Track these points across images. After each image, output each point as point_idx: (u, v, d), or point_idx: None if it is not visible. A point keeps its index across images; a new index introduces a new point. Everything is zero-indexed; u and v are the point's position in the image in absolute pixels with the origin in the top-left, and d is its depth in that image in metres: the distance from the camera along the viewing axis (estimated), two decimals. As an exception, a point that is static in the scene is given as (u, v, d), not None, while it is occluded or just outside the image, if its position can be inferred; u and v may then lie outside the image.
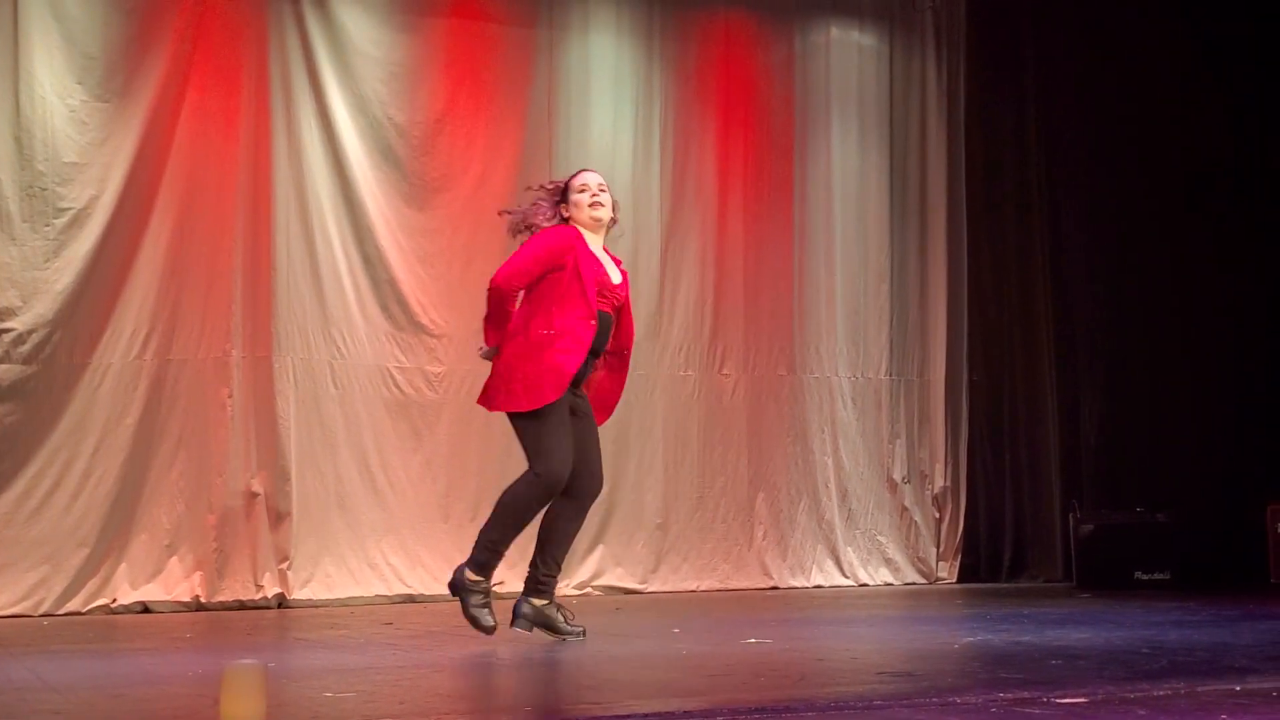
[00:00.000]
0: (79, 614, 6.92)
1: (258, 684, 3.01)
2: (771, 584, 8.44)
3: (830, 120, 8.83)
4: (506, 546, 5.30)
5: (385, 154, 7.77)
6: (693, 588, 8.26)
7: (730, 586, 8.34)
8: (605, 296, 5.26)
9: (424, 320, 7.80)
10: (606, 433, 8.18)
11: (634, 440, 8.24)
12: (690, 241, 8.46)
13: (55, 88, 7.10)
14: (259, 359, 7.44)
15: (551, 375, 5.15)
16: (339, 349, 7.61)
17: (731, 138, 8.58)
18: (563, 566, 5.44)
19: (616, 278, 5.33)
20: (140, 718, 3.49)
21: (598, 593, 8.01)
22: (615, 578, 8.10)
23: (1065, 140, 9.14)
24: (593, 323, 5.17)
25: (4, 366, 6.98)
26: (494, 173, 8.01)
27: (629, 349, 5.51)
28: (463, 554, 7.82)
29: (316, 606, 7.29)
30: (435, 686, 3.93)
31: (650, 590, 8.15)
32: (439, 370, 7.84)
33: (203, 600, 7.21)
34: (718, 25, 8.59)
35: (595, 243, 5.33)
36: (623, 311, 5.40)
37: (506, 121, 8.07)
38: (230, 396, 7.35)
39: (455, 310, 7.87)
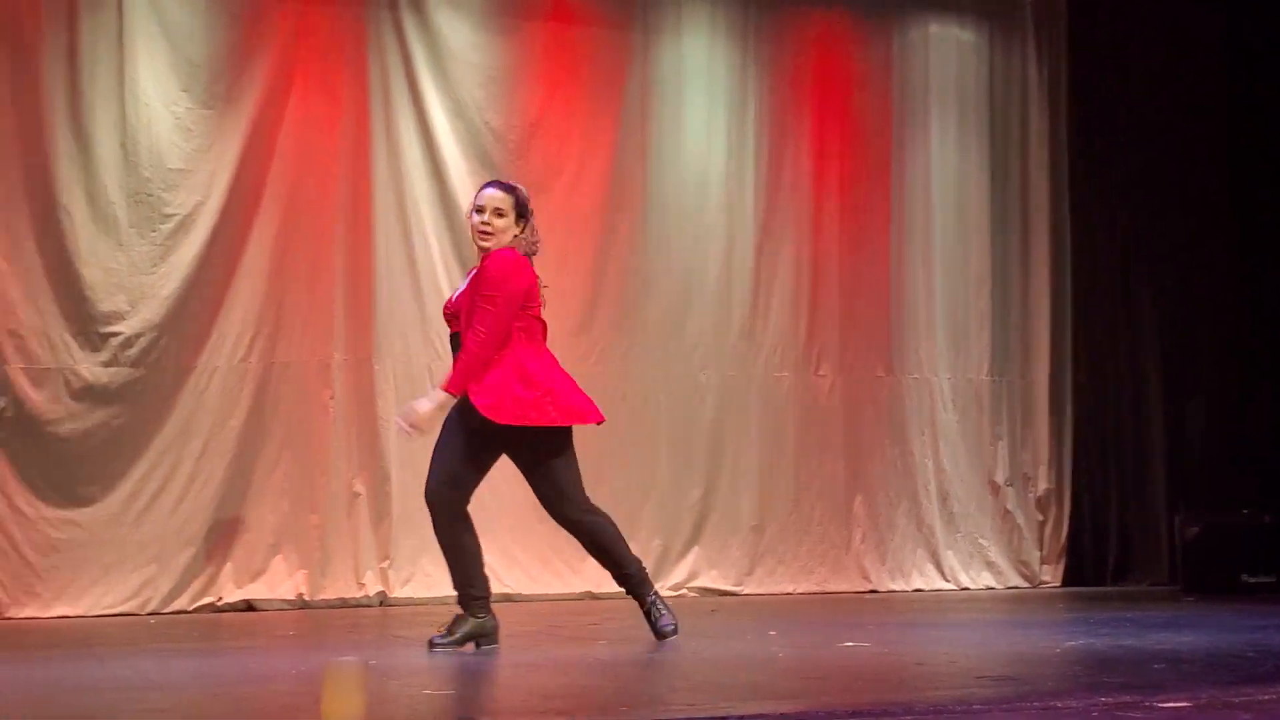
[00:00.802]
0: (185, 612, 7.06)
1: (358, 682, 3.04)
2: (870, 587, 8.37)
3: (929, 118, 8.75)
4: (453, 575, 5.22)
5: (482, 158, 7.84)
6: (789, 590, 8.22)
7: (827, 589, 8.28)
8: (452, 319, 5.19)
9: (518, 322, 7.84)
10: (700, 434, 8.24)
11: (728, 442, 8.22)
12: (785, 242, 8.42)
13: (160, 95, 7.25)
14: (360, 361, 7.54)
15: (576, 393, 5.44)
16: (437, 351, 7.67)
17: (827, 137, 8.53)
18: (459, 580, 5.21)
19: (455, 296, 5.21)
20: (243, 715, 3.54)
21: (693, 594, 8.00)
22: (710, 580, 8.09)
23: (1171, 137, 8.97)
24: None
25: (112, 370, 7.13)
26: (588, 175, 8.04)
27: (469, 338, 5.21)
28: (557, 554, 7.90)
29: (417, 605, 7.36)
30: (531, 686, 3.95)
31: (746, 593, 8.12)
32: (535, 371, 7.87)
33: (306, 598, 7.32)
34: (813, 24, 8.54)
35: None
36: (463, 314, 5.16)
37: (601, 124, 8.10)
38: (332, 398, 7.46)
39: (549, 311, 7.83)
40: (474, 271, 5.17)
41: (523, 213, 5.08)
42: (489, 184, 5.22)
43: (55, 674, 4.46)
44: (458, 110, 7.79)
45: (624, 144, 8.10)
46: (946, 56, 8.81)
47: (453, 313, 5.15)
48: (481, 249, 5.06)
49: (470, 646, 5.02)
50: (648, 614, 5.15)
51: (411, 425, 5.10)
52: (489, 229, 5.01)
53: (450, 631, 4.99)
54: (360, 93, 7.61)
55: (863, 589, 8.34)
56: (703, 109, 8.29)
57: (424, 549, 7.56)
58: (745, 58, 8.38)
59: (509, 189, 5.13)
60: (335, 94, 7.58)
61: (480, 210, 5.04)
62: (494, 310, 4.98)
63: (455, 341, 5.16)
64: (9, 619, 6.81)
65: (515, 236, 5.07)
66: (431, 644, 4.95)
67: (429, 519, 7.60)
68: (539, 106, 7.96)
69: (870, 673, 4.24)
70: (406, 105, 7.71)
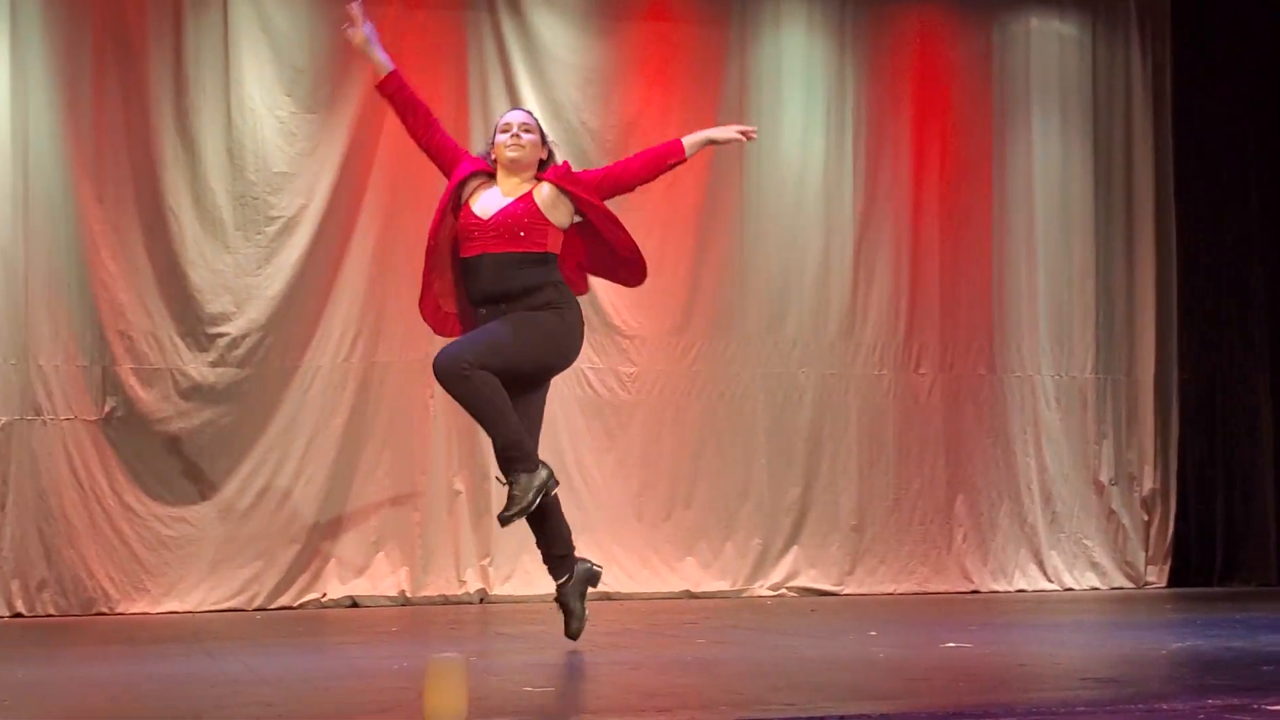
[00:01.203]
0: (290, 608, 7.18)
1: (460, 678, 3.07)
2: (972, 588, 8.29)
3: (1030, 113, 8.64)
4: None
5: (579, 158, 7.85)
6: (889, 591, 8.17)
7: (929, 590, 8.21)
8: (472, 239, 4.98)
9: (616, 321, 7.88)
10: (798, 433, 8.20)
11: (827, 441, 8.18)
12: (884, 239, 8.36)
13: (265, 100, 7.38)
14: (459, 361, 7.61)
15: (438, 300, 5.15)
16: (533, 348, 7.73)
17: (927, 133, 8.46)
18: (496, 444, 4.99)
19: (488, 213, 4.99)
20: (347, 709, 3.59)
21: (792, 594, 7.98)
22: (810, 579, 8.06)
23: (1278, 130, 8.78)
24: (449, 289, 5.09)
25: (220, 370, 7.27)
26: (684, 174, 8.02)
27: (620, 165, 5.25)
28: (656, 552, 7.93)
29: (517, 602, 7.42)
30: (631, 683, 3.97)
31: (846, 593, 8.08)
32: (631, 370, 7.91)
33: (408, 595, 7.41)
34: (911, 19, 8.47)
35: (505, 183, 5.07)
36: (544, 226, 4.97)
37: (698, 122, 8.05)
38: (432, 397, 7.53)
39: (647, 311, 7.94)
40: (480, 191, 5.05)
41: (544, 139, 5.14)
42: (513, 109, 5.33)
43: (166, 669, 4.56)
44: (555, 111, 7.83)
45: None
46: (1047, 50, 8.69)
47: (506, 227, 4.92)
48: (510, 159, 5.02)
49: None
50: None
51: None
52: (519, 141, 5.02)
53: (512, 499, 4.87)
54: (459, 95, 7.68)
55: (964, 589, 8.26)
56: (800, 106, 8.26)
57: (524, 547, 7.60)
58: (843, 54, 8.34)
59: (529, 113, 5.25)
60: (434, 96, 7.62)
61: (506, 128, 5.07)
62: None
63: (484, 264, 4.93)
64: (120, 614, 6.97)
65: (543, 162, 5.10)
66: (502, 519, 4.87)
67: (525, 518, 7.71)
68: (636, 106, 7.98)
69: (972, 673, 4.20)
70: (504, 107, 7.75)
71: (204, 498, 7.22)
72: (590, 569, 5.10)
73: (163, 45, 7.26)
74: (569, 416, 7.78)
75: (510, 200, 4.95)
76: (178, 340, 7.20)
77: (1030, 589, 8.35)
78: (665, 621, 6.17)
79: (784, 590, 7.98)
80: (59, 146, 7.11)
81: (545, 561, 5.10)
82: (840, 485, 8.18)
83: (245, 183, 7.33)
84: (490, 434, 4.92)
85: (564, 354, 5.07)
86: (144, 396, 7.15)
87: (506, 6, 7.79)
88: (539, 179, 5.05)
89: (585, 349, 7.78)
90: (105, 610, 6.99)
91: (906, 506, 8.29)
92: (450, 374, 4.77)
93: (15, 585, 6.89)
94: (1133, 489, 8.69)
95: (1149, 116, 8.82)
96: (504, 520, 4.88)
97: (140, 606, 7.04)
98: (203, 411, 7.21)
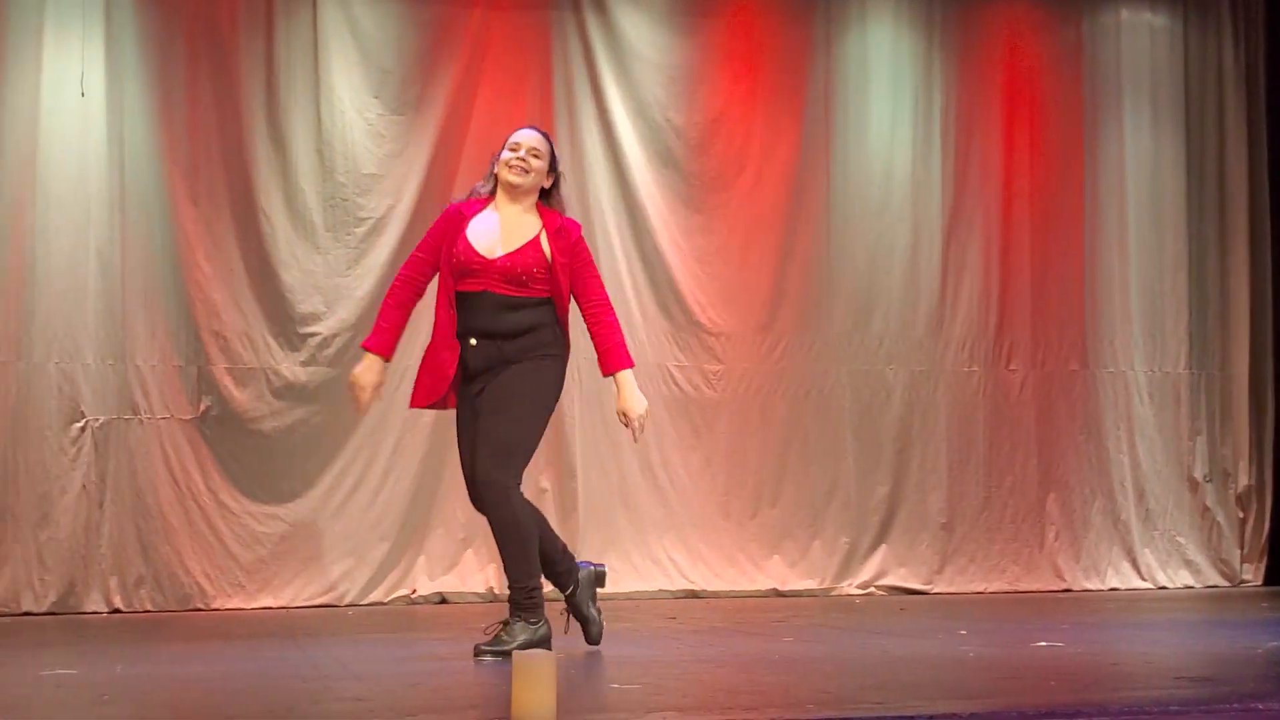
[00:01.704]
0: (381, 604, 7.26)
1: (548, 674, 3.09)
2: (1064, 586, 8.19)
3: (1121, 106, 8.51)
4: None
5: (664, 156, 7.89)
6: (980, 589, 8.09)
7: (1020, 588, 8.13)
8: (474, 275, 4.73)
9: (702, 319, 7.88)
10: (887, 430, 8.15)
11: (916, 438, 8.12)
12: (974, 233, 8.28)
13: (354, 102, 7.47)
14: (546, 359, 7.65)
15: (427, 373, 4.82)
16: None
17: (1016, 126, 8.36)
18: (511, 578, 4.77)
19: (492, 250, 4.74)
20: (437, 705, 3.63)
21: (881, 593, 7.93)
22: (899, 578, 8.01)
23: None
24: (450, 310, 4.76)
25: (310, 369, 7.37)
26: (770, 170, 8.03)
27: (592, 304, 4.94)
28: (742, 550, 7.92)
29: (602, 599, 7.42)
30: (718, 681, 3.97)
31: (935, 591, 8.02)
32: (717, 369, 7.90)
33: (496, 592, 7.46)
34: (1000, 12, 8.39)
35: (505, 211, 4.83)
36: (547, 275, 4.77)
37: (783, 118, 8.08)
38: (518, 395, 7.57)
39: (732, 308, 7.93)
40: (478, 212, 4.82)
41: (554, 166, 4.90)
42: (526, 127, 5.02)
43: (261, 664, 4.63)
44: (639, 109, 7.85)
45: (807, 138, 8.07)
46: (1138, 42, 8.56)
47: (514, 274, 4.72)
48: (511, 184, 4.78)
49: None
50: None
51: (642, 425, 4.89)
52: (525, 166, 4.78)
53: (498, 638, 4.68)
54: (544, 94, 7.73)
55: (1056, 588, 8.16)
56: (887, 101, 8.20)
57: (610, 545, 7.65)
58: (930, 48, 8.27)
59: (545, 136, 4.94)
60: (519, 96, 7.71)
61: (516, 148, 4.81)
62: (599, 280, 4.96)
63: (486, 301, 4.72)
64: (215, 610, 7.09)
65: (547, 192, 4.87)
66: (477, 651, 4.67)
67: (613, 515, 7.76)
68: (721, 103, 7.98)
69: (1063, 673, 4.15)
70: (589, 105, 7.80)
71: (296, 495, 7.32)
72: (594, 570, 5.02)
73: (254, 48, 7.37)
74: (654, 414, 7.76)
75: (520, 245, 4.74)
76: (270, 340, 7.31)
77: (1123, 587, 8.24)
78: (751, 620, 6.16)
79: (872, 589, 7.94)
80: (154, 149, 7.25)
81: (548, 578, 4.91)
82: (929, 483, 8.11)
83: (335, 184, 7.42)
84: (510, 569, 4.72)
85: (558, 397, 4.95)
86: (238, 396, 7.27)
87: (591, 5, 7.82)
88: (543, 214, 4.83)
89: (670, 346, 7.87)
90: (201, 606, 7.11)
91: (997, 504, 8.21)
92: (499, 498, 4.63)
93: (114, 582, 7.03)
94: (1227, 485, 8.55)
95: (1242, 108, 8.66)
96: (478, 652, 4.64)
97: (235, 602, 7.16)
98: (295, 410, 7.32)
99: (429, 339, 4.99)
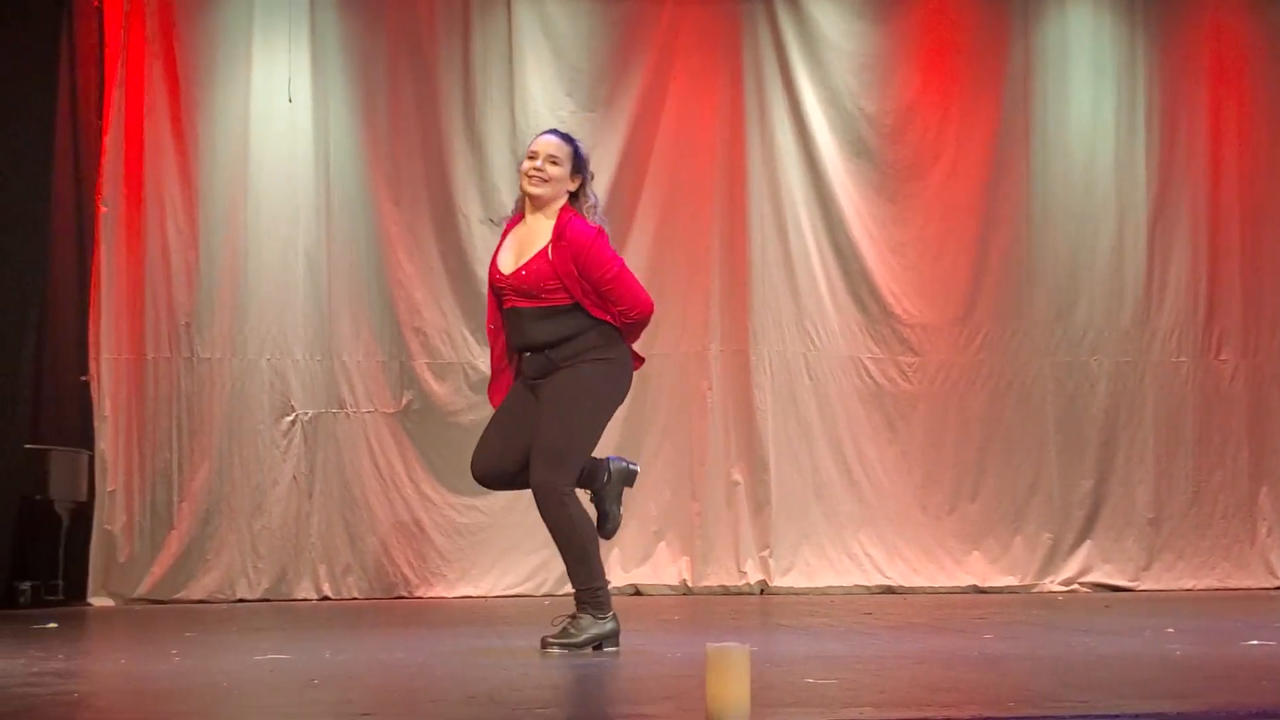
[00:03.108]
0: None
1: (742, 668, 3.09)
2: (1277, 584, 7.88)
3: (1335, 86, 8.15)
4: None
5: (856, 145, 7.81)
6: (1188, 587, 7.84)
7: (1230, 586, 7.85)
8: (500, 292, 4.62)
9: (897, 310, 7.79)
10: (1091, 423, 7.93)
11: (1122, 431, 7.90)
12: (1180, 220, 8.01)
13: (547, 101, 7.58)
14: (736, 352, 7.67)
15: (497, 376, 4.75)
16: (813, 341, 7.71)
17: (1223, 108, 8.06)
18: (575, 581, 4.66)
19: (508, 265, 4.61)
20: (632, 696, 3.66)
21: (1085, 589, 7.74)
22: (1104, 575, 7.80)
23: None
24: (491, 326, 4.70)
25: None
26: (966, 158, 7.89)
27: (624, 315, 4.63)
28: (941, 546, 7.81)
29: (797, 594, 7.42)
30: (916, 677, 3.92)
31: (1142, 588, 7.79)
32: (913, 360, 7.80)
33: (689, 585, 7.50)
34: (1206, -7, 8.10)
35: (530, 222, 4.64)
36: (560, 285, 4.54)
37: (979, 105, 7.93)
38: (710, 389, 7.61)
39: (928, 299, 7.82)
40: (514, 226, 4.68)
41: (579, 168, 4.66)
42: (547, 131, 4.82)
43: (461, 651, 4.73)
44: (831, 98, 7.79)
45: (1005, 125, 7.91)
46: (1354, 19, 8.17)
47: (523, 288, 4.57)
48: (530, 195, 4.61)
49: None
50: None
51: None
52: (543, 175, 4.58)
53: (566, 631, 4.60)
54: (734, 86, 7.73)
55: (1269, 585, 7.87)
56: (1089, 86, 7.99)
57: (805, 539, 7.63)
58: (1133, 30, 8.03)
59: (567, 139, 4.71)
60: (710, 89, 7.72)
61: (534, 155, 4.62)
62: (626, 281, 4.63)
63: (517, 316, 4.59)
64: (418, 598, 7.28)
65: (571, 194, 4.64)
66: (544, 644, 4.58)
67: (807, 509, 7.72)
68: (915, 90, 7.87)
69: (1276, 673, 3.99)
70: (780, 96, 7.77)
71: (494, 488, 7.45)
72: (627, 468, 4.79)
73: (452, 51, 7.54)
74: (848, 407, 7.73)
75: (529, 259, 4.57)
76: (468, 335, 7.46)
77: (1343, 585, 7.90)
78: (951, 616, 6.06)
79: (1076, 586, 7.75)
80: (357, 153, 7.48)
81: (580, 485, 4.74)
82: (1136, 477, 7.88)
83: (530, 182, 7.53)
84: (572, 572, 4.65)
85: (620, 398, 4.76)
86: (438, 390, 7.45)
87: (782, -5, 7.80)
88: (558, 219, 4.61)
89: (865, 338, 7.79)
90: (405, 594, 7.31)
91: (1207, 499, 7.94)
92: (554, 501, 4.55)
93: (323, 570, 7.27)
94: None
95: None
96: (545, 645, 4.55)
97: (437, 591, 7.34)
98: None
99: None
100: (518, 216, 4.73)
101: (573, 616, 4.60)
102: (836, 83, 7.81)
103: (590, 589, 4.61)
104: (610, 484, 4.77)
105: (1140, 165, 8.00)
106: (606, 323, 4.60)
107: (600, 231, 4.64)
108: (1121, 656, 4.44)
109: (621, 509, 4.83)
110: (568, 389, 4.56)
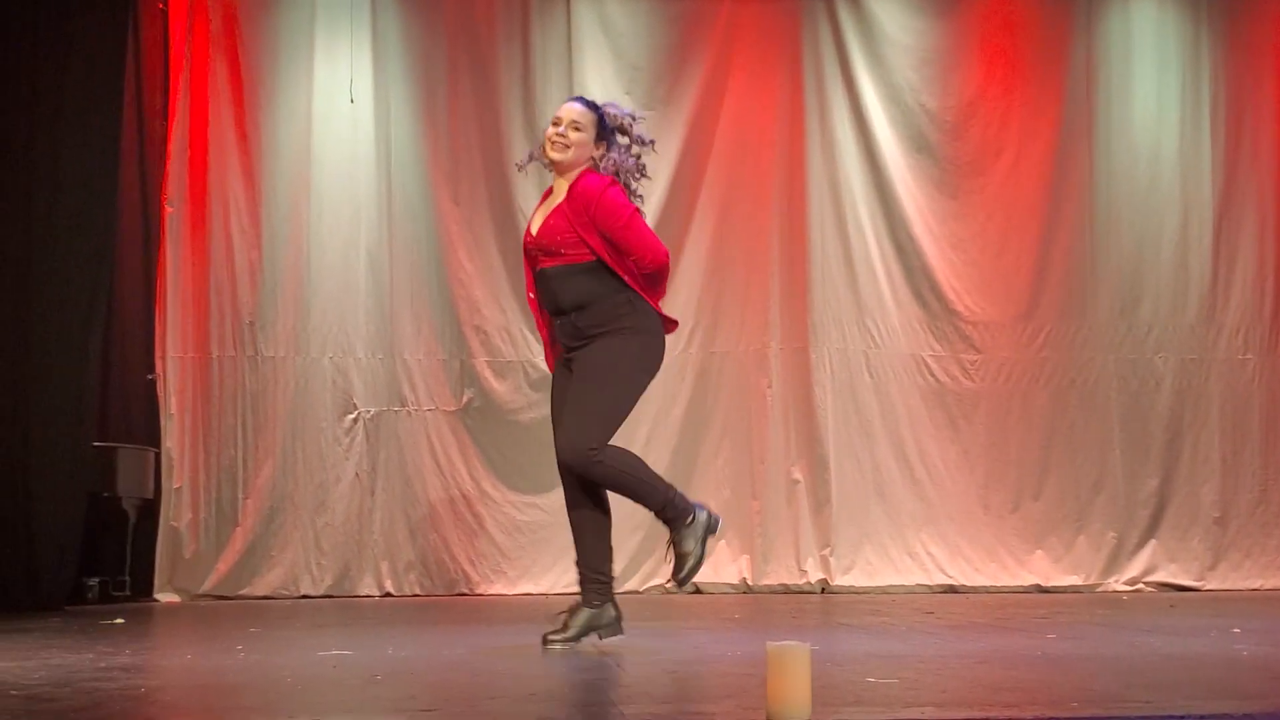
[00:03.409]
0: (636, 593, 7.36)
1: (804, 666, 3.08)
2: (1348, 584, 7.78)
3: (1406, 79, 8.01)
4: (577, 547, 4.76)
5: (917, 141, 7.77)
6: (1255, 586, 7.75)
7: (1299, 586, 7.75)
8: (531, 254, 4.64)
9: (958, 307, 7.74)
10: (1156, 421, 7.85)
11: (1187, 430, 7.81)
12: (1247, 216, 7.91)
13: (605, 98, 7.56)
14: (796, 350, 7.65)
15: (549, 345, 4.74)
16: (873, 338, 7.68)
17: (1292, 101, 7.96)
18: (664, 497, 4.65)
19: (535, 227, 4.63)
20: (694, 694, 3.66)
21: (1150, 589, 7.67)
22: (1169, 574, 7.72)
23: None
24: (530, 295, 4.70)
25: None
26: (1029, 154, 7.83)
27: (639, 265, 4.55)
28: (1003, 545, 7.75)
29: (858, 593, 7.39)
30: (978, 677, 3.89)
31: (1207, 588, 7.70)
32: (975, 358, 7.75)
33: (749, 583, 7.49)
34: (1274, -18, 7.99)
35: (556, 187, 4.65)
36: (577, 239, 4.52)
37: (1042, 100, 7.86)
38: (769, 387, 7.59)
39: (990, 296, 7.76)
40: (549, 194, 4.69)
41: (603, 134, 4.63)
42: (573, 98, 4.82)
43: (523, 648, 4.75)
44: (892, 94, 7.76)
45: (1068, 120, 7.84)
46: None
47: (546, 245, 4.56)
48: (552, 160, 4.60)
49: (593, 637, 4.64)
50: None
51: None
52: (564, 140, 4.57)
53: (565, 625, 4.61)
54: (794, 83, 7.71)
55: (1340, 587, 7.76)
56: (1152, 81, 7.91)
57: (866, 537, 7.60)
58: (1198, 23, 7.93)
59: (592, 106, 4.70)
60: (769, 86, 7.71)
61: (557, 122, 4.62)
62: (637, 228, 4.56)
63: (545, 279, 4.58)
64: (479, 595, 7.32)
65: (593, 159, 4.62)
66: (545, 641, 4.58)
67: (868, 508, 7.68)
68: (976, 86, 7.82)
69: (1349, 677, 3.92)
70: (840, 92, 7.75)
71: (554, 485, 7.44)
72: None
73: (511, 51, 7.58)
74: (910, 405, 7.69)
75: (546, 216, 4.61)
76: (527, 334, 7.49)
77: None
78: (1013, 616, 6.02)
79: (1140, 585, 7.67)
80: (418, 152, 7.53)
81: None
82: (1201, 476, 7.80)
83: (589, 180, 7.55)
84: (642, 503, 4.66)
85: (651, 372, 4.69)
86: (498, 388, 7.48)
87: (842, -10, 7.77)
88: (577, 179, 4.60)
89: (926, 335, 7.74)
90: (465, 591, 7.35)
91: (1275, 498, 7.85)
92: (584, 464, 4.52)
93: (385, 566, 7.33)
94: None
95: None
96: (681, 583, 4.64)
97: (498, 588, 7.37)
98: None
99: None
100: (551, 188, 4.74)
101: (674, 543, 4.58)
102: (897, 78, 7.77)
103: (666, 501, 4.61)
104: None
105: (1205, 160, 7.91)
106: (633, 290, 4.55)
107: (613, 181, 4.61)
108: (1187, 657, 4.39)
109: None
110: (597, 359, 4.54)
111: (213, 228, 7.39)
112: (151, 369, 7.34)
